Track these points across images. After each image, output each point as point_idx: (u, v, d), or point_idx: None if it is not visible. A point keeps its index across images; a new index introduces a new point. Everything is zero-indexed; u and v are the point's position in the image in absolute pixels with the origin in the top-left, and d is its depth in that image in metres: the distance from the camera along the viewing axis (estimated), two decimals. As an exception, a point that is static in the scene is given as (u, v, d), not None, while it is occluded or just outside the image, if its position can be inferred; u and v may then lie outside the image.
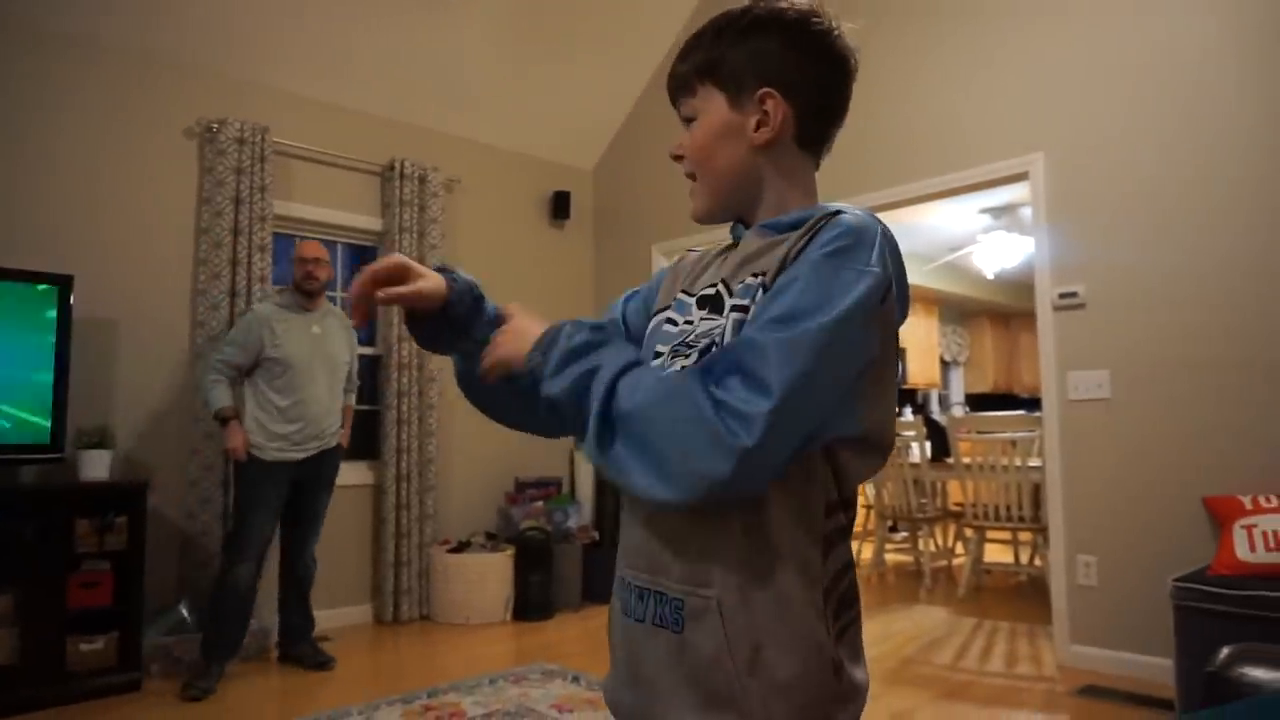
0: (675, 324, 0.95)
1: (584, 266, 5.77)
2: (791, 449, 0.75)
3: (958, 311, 10.00)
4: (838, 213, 0.84)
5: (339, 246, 4.73)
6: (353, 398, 3.87)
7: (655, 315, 1.00)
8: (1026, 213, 5.96)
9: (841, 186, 4.20)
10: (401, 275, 0.93)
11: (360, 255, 4.83)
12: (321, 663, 3.58)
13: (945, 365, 9.98)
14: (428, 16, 4.45)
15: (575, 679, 3.36)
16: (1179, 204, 3.27)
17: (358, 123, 4.64)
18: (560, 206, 5.52)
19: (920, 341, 9.15)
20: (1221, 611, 2.71)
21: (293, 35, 4.18)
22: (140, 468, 3.73)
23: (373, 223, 4.69)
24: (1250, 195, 3.11)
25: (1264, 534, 2.81)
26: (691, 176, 0.96)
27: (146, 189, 3.89)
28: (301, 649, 3.64)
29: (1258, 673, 1.20)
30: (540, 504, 4.88)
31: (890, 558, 5.98)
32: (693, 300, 0.95)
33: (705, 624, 0.82)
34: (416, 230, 4.74)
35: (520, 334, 0.91)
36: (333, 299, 4.37)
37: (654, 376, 0.80)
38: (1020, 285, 8.59)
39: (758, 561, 0.81)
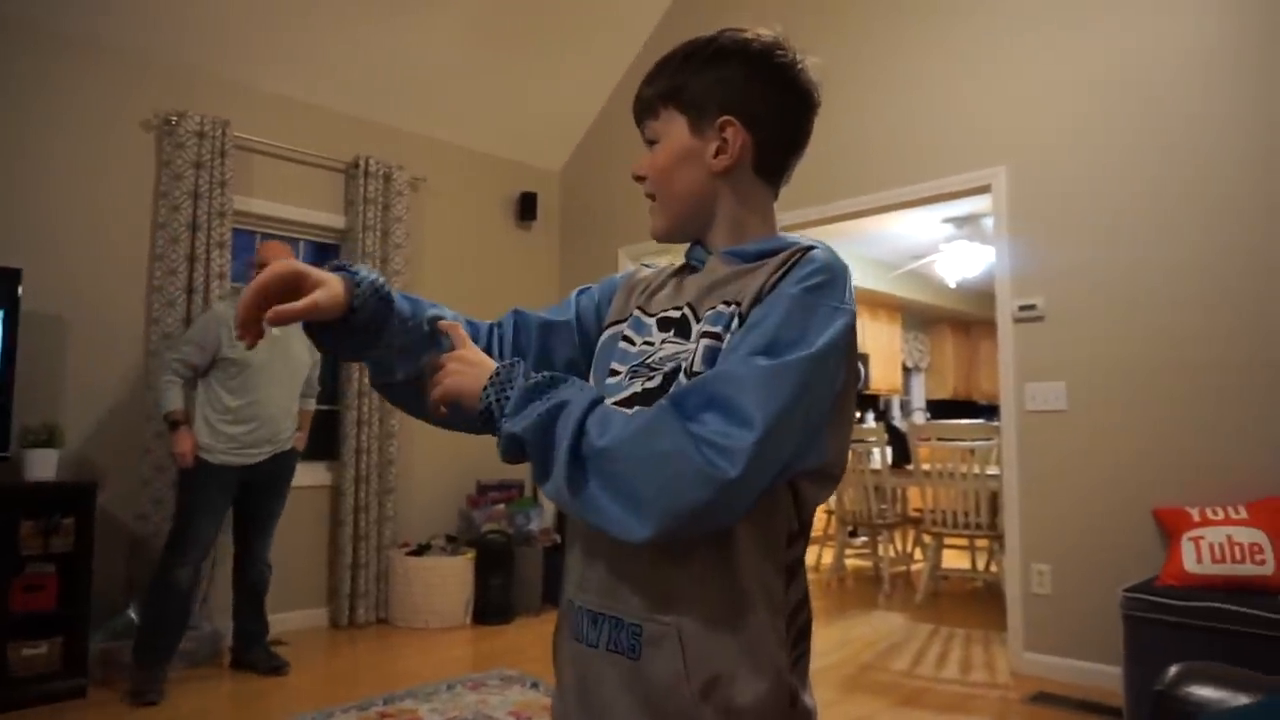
0: (633, 343, 0.94)
1: (550, 268, 5.74)
2: (768, 481, 0.75)
3: (920, 318, 10.13)
4: (810, 248, 0.86)
5: (301, 244, 4.65)
6: (311, 402, 3.79)
7: (608, 329, 1.00)
8: (988, 223, 6.05)
9: (810, 194, 4.23)
10: (294, 286, 0.85)
11: (324, 253, 4.76)
12: (275, 668, 3.52)
13: (907, 371, 10.10)
14: (395, 13, 4.40)
15: (534, 685, 3.34)
16: (1136, 221, 3.34)
17: (322, 119, 4.58)
18: (527, 207, 5.49)
19: (883, 348, 9.25)
20: (1169, 622, 2.77)
21: (256, 28, 4.11)
22: (90, 467, 3.63)
23: (336, 220, 4.62)
24: (1204, 213, 3.18)
25: (1210, 546, 2.88)
26: (651, 197, 0.97)
27: (100, 182, 3.80)
28: (255, 654, 3.56)
29: (1204, 691, 1.22)
30: (502, 507, 4.85)
31: (850, 563, 6.03)
32: (652, 321, 0.94)
33: (663, 651, 0.81)
34: (380, 229, 4.68)
35: (472, 366, 0.87)
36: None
37: (622, 415, 0.79)
38: (981, 294, 8.71)
39: (722, 591, 0.82)
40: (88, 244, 3.74)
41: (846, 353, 0.80)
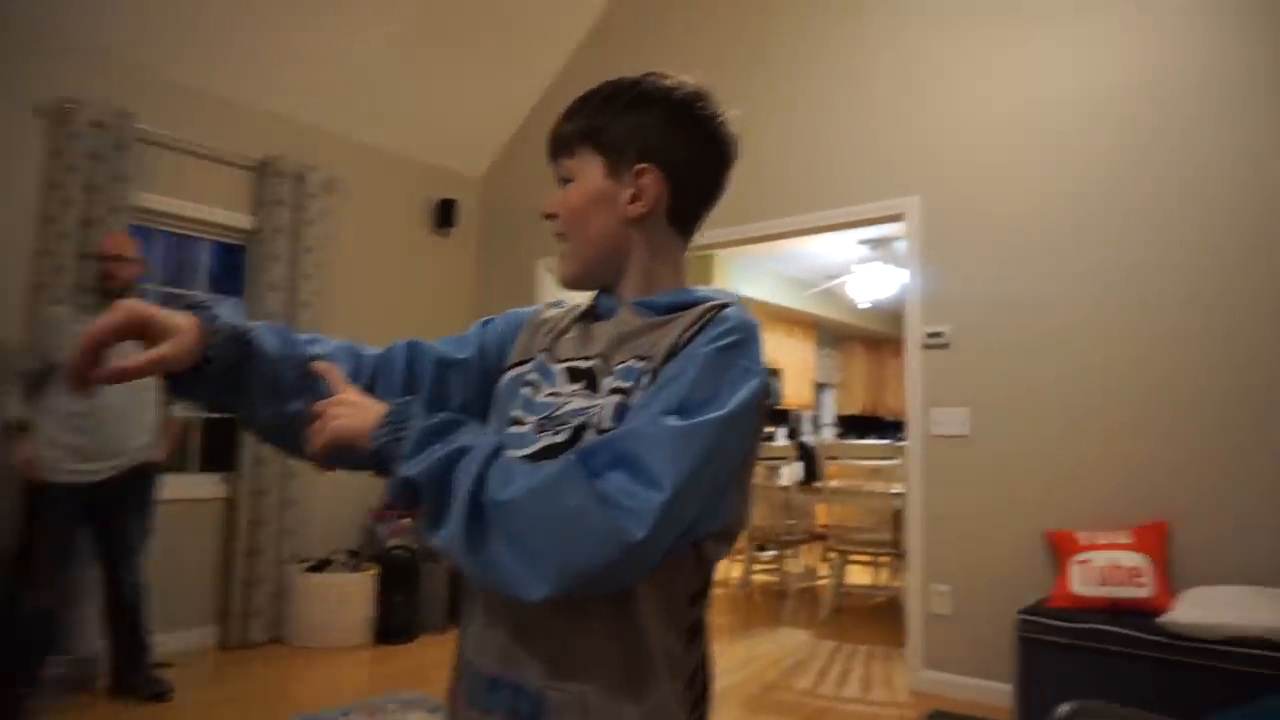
0: (538, 390, 0.91)
1: (467, 277, 5.64)
2: (671, 542, 0.73)
3: (832, 336, 10.37)
4: (724, 305, 0.85)
5: (205, 243, 4.45)
6: (177, 409, 3.53)
7: (510, 370, 0.97)
8: (901, 246, 6.23)
9: (731, 214, 4.25)
10: (138, 333, 0.76)
11: (230, 253, 4.56)
12: (158, 693, 3.31)
13: (819, 387, 10.31)
14: (318, 10, 4.26)
15: (435, 709, 3.25)
16: (1037, 255, 3.48)
17: (232, 114, 4.38)
18: (445, 214, 5.38)
19: (797, 364, 9.42)
20: (1059, 643, 2.89)
21: (162, 14, 3.91)
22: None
23: (243, 220, 4.43)
24: (1098, 250, 3.34)
25: (1096, 569, 3.01)
26: (562, 237, 0.94)
27: (-19, 169, 3.55)
28: (135, 679, 3.34)
29: (1088, 730, 1.25)
30: (407, 521, 4.72)
31: (757, 578, 6.10)
32: (559, 369, 0.91)
33: None
34: (291, 231, 4.51)
35: (357, 407, 0.82)
36: (145, 295, 4.06)
37: (525, 466, 0.76)
38: (891, 314, 8.97)
39: (625, 655, 0.79)
40: (-36, 236, 3.49)
41: (755, 414, 0.79)
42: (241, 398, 0.84)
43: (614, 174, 0.90)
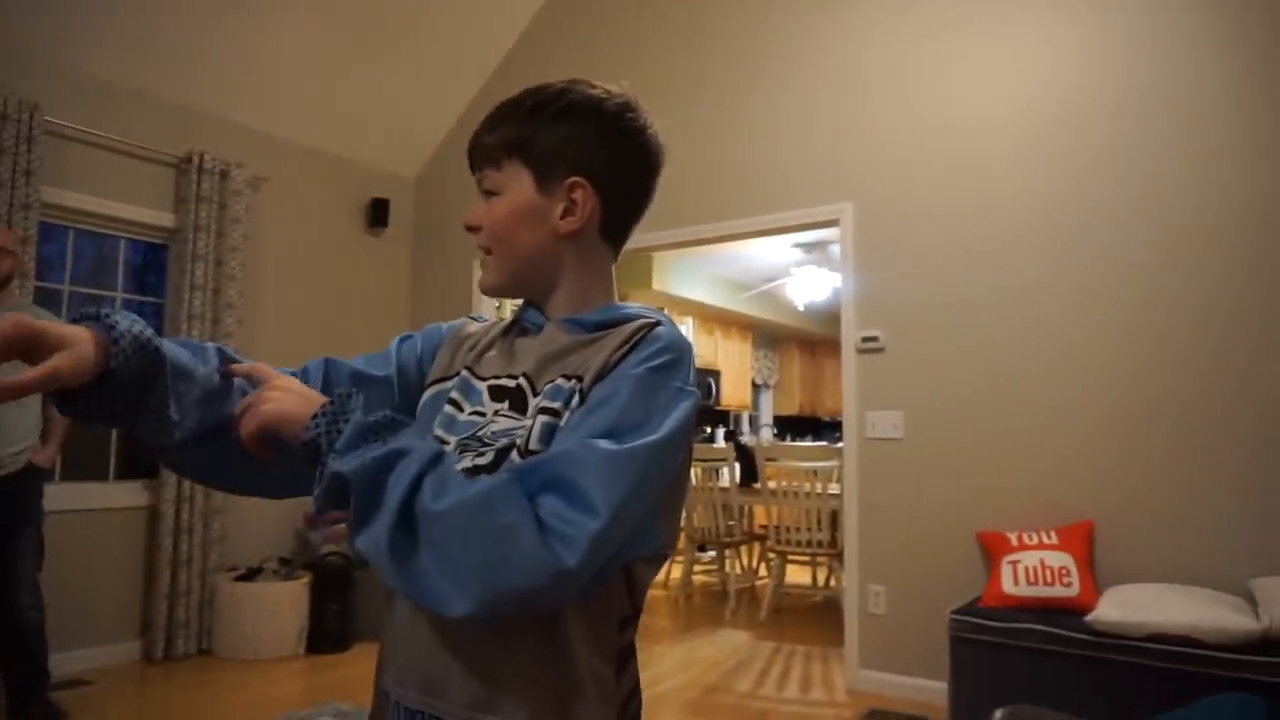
0: (460, 409, 0.88)
1: (401, 279, 5.52)
2: (599, 568, 0.71)
3: (769, 337, 10.48)
4: (655, 324, 0.84)
5: (122, 242, 4.26)
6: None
7: (432, 386, 0.93)
8: (836, 250, 6.32)
9: (668, 217, 4.27)
10: (22, 349, 0.68)
11: (151, 252, 4.38)
12: None
13: (756, 388, 10.41)
14: (237, 2, 4.11)
15: None
16: (973, 261, 3.56)
17: (150, 108, 4.20)
18: (378, 214, 5.26)
19: (734, 365, 9.49)
20: (990, 642, 2.95)
21: (75, 5, 3.72)
22: None
23: (164, 219, 4.25)
24: (1036, 258, 3.43)
25: (1026, 569, 3.09)
26: (486, 250, 0.90)
27: (-123, 163, 3.33)
28: (31, 706, 3.08)
29: (1024, 737, 1.27)
30: (342, 527, 4.60)
31: (697, 579, 6.13)
32: (484, 386, 0.89)
33: None
34: (215, 230, 4.35)
35: (296, 394, 0.77)
36: (58, 295, 3.88)
37: (461, 478, 0.72)
38: (827, 316, 9.11)
39: (553, 682, 0.77)
40: None
41: (687, 435, 0.78)
42: (145, 415, 0.77)
43: (544, 189, 0.87)
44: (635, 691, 0.86)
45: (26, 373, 0.66)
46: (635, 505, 0.71)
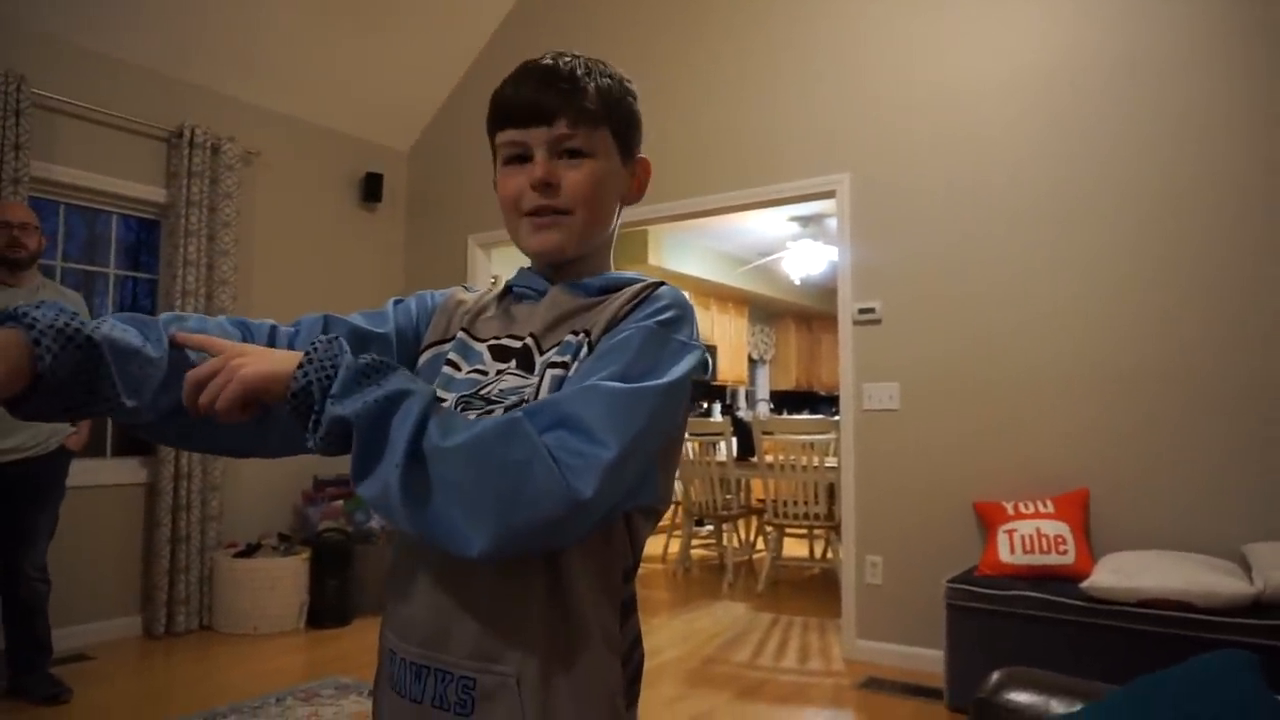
0: (458, 368, 0.89)
1: (395, 253, 5.50)
2: (610, 506, 0.72)
3: (765, 312, 10.47)
4: (658, 284, 0.86)
5: (114, 218, 4.24)
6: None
7: (428, 349, 0.94)
8: (832, 223, 6.31)
9: (662, 191, 4.24)
10: None
11: (143, 229, 4.35)
12: (53, 695, 3.09)
13: (753, 363, 10.42)
14: (227, -28, 4.06)
15: (372, 694, 3.19)
16: (968, 233, 3.55)
17: (141, 80, 4.16)
18: (371, 188, 5.22)
19: (730, 340, 9.49)
20: (986, 610, 2.98)
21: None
22: None
23: (155, 193, 4.22)
24: (1031, 229, 3.42)
25: (1022, 537, 3.11)
26: (546, 209, 0.86)
27: None
28: (31, 680, 3.12)
29: (1022, 697, 1.29)
30: (340, 503, 4.61)
31: (696, 553, 6.16)
32: (483, 347, 0.90)
33: (501, 705, 0.76)
34: (207, 205, 4.32)
35: (264, 354, 0.74)
36: (50, 271, 3.85)
37: (465, 417, 0.73)
38: (823, 290, 9.10)
39: (560, 632, 0.78)
40: None
41: (689, 390, 0.80)
42: (101, 403, 0.72)
43: (625, 160, 0.92)
44: (638, 643, 0.87)
45: None
46: (643, 445, 0.73)
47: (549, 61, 0.88)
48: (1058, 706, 1.21)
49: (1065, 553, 3.02)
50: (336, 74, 4.81)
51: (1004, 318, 3.45)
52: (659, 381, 0.75)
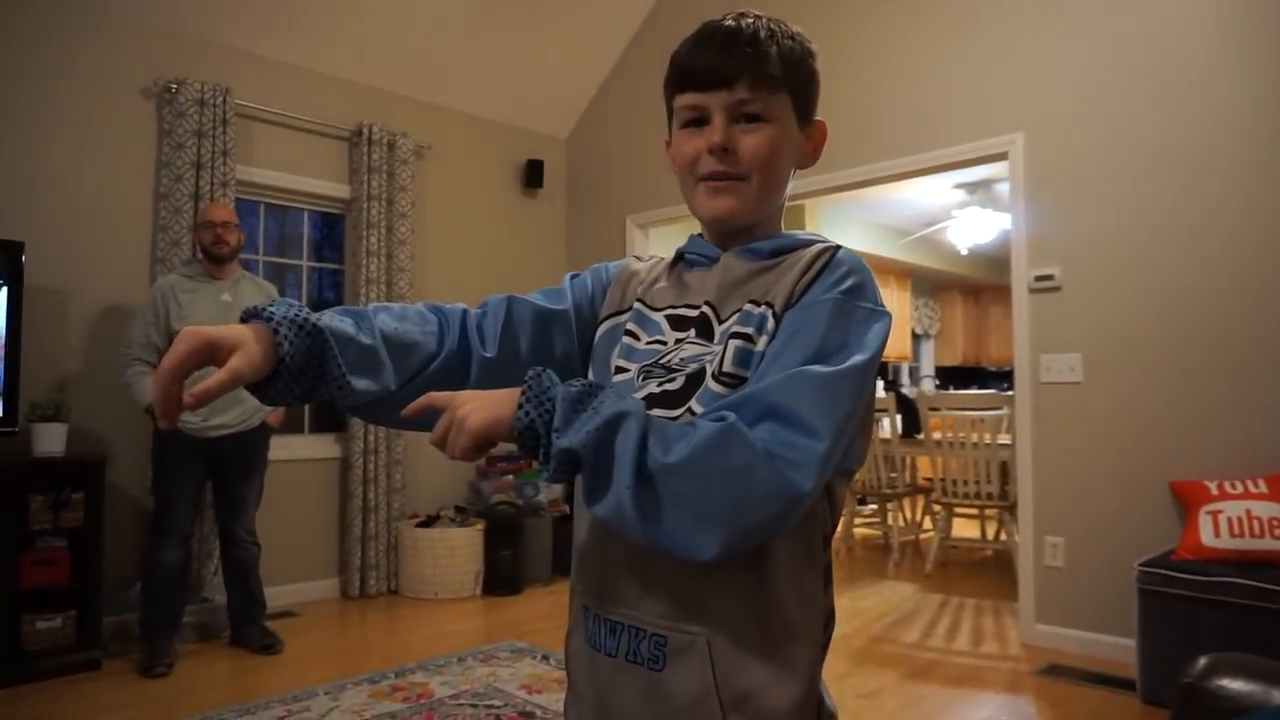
0: (638, 338, 0.90)
1: (556, 237, 5.67)
2: (822, 488, 0.74)
3: (930, 285, 10.03)
4: (836, 248, 0.85)
5: (306, 214, 4.60)
6: None
7: (606, 320, 0.96)
8: (1002, 189, 5.95)
9: (823, 161, 4.13)
10: (208, 356, 0.75)
11: (331, 224, 4.71)
12: (267, 645, 3.47)
13: (916, 338, 10.03)
14: (397, -24, 4.29)
15: (545, 658, 3.35)
16: (1155, 190, 3.25)
17: (324, 85, 4.49)
18: (533, 175, 5.41)
19: (893, 314, 9.07)
20: (1184, 596, 2.76)
21: (255, -8, 4.01)
22: (96, 442, 3.62)
23: (340, 190, 4.56)
24: (1224, 182, 3.10)
25: (1229, 520, 2.85)
26: (722, 174, 0.86)
27: (102, 152, 3.74)
28: (248, 632, 3.53)
29: (1235, 685, 1.19)
30: (510, 478, 4.84)
31: (859, 531, 6.03)
32: (660, 317, 0.91)
33: (690, 663, 0.78)
34: (385, 198, 4.62)
35: (484, 398, 0.76)
36: (253, 265, 4.26)
37: (677, 427, 0.74)
38: (992, 260, 8.62)
39: (757, 598, 0.79)
40: (90, 216, 3.70)
41: (881, 354, 0.80)
42: (332, 385, 0.80)
43: (802, 124, 0.91)
44: (833, 610, 0.88)
45: (212, 377, 0.73)
46: (849, 425, 0.74)
47: (731, 23, 0.87)
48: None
49: (1280, 537, 2.74)
50: (497, 67, 4.99)
51: (1206, 282, 3.13)
52: (857, 360, 0.75)
